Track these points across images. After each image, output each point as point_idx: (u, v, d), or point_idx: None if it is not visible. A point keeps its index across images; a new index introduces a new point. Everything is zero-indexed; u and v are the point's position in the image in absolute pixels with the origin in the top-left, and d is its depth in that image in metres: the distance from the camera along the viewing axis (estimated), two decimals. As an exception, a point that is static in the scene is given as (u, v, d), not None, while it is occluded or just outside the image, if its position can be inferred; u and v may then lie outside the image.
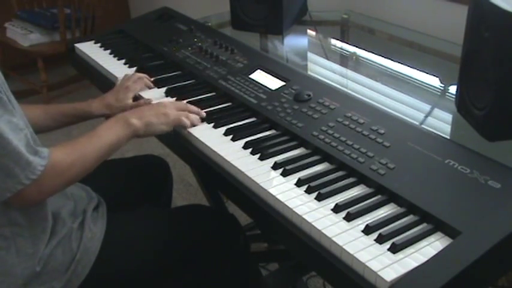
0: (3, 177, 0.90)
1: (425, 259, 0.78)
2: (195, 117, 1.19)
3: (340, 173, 1.00)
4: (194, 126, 1.19)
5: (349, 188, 0.97)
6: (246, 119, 1.22)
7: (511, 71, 0.93)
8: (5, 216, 0.98)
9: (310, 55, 1.73)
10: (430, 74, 1.46)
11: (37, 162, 0.92)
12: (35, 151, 0.93)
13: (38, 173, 0.92)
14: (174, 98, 1.33)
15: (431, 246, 0.82)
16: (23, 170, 0.91)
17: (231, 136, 1.15)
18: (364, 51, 1.68)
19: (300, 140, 1.11)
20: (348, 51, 1.74)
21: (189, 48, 1.55)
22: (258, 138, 1.14)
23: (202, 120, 1.21)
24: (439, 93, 1.42)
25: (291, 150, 1.09)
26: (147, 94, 1.35)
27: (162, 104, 1.20)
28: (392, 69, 1.54)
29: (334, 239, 0.84)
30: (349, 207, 0.90)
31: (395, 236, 0.83)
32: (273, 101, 1.22)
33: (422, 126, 1.12)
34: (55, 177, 0.97)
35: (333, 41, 1.82)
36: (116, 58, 1.60)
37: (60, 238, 1.04)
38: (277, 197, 0.94)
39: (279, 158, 1.06)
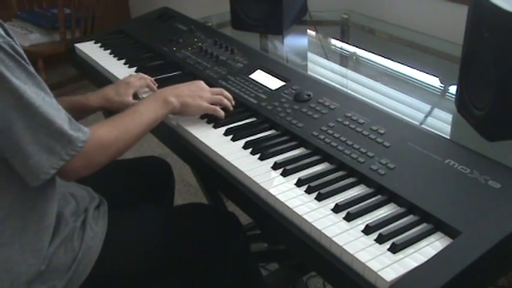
0: (47, 156, 0.92)
1: (425, 259, 0.78)
2: (227, 103, 1.23)
3: (340, 173, 1.00)
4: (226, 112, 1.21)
5: (349, 188, 0.97)
6: (246, 119, 1.22)
7: (511, 71, 0.93)
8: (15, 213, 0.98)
9: (310, 55, 1.73)
10: (430, 74, 1.46)
11: (79, 138, 0.95)
12: (78, 127, 0.96)
13: (78, 149, 0.95)
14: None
15: (431, 246, 0.82)
16: (63, 147, 0.93)
17: (231, 136, 1.15)
18: (364, 51, 1.68)
19: (300, 140, 1.11)
20: (348, 51, 1.74)
21: (189, 48, 1.55)
22: (258, 138, 1.14)
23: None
24: (439, 93, 1.42)
25: (291, 150, 1.09)
26: (147, 94, 1.35)
27: (199, 86, 1.23)
28: (392, 69, 1.54)
29: (334, 239, 0.84)
30: (349, 207, 0.90)
31: (396, 236, 0.83)
32: (273, 101, 1.22)
33: (422, 126, 1.12)
34: (101, 151, 1.00)
35: (333, 41, 1.82)
36: (116, 58, 1.60)
37: (63, 237, 1.04)
38: (277, 197, 0.94)
39: (279, 158, 1.06)
